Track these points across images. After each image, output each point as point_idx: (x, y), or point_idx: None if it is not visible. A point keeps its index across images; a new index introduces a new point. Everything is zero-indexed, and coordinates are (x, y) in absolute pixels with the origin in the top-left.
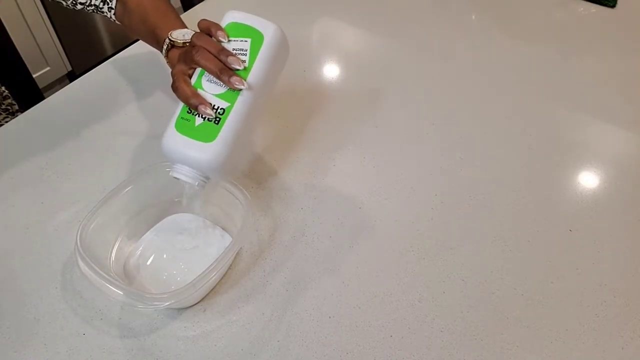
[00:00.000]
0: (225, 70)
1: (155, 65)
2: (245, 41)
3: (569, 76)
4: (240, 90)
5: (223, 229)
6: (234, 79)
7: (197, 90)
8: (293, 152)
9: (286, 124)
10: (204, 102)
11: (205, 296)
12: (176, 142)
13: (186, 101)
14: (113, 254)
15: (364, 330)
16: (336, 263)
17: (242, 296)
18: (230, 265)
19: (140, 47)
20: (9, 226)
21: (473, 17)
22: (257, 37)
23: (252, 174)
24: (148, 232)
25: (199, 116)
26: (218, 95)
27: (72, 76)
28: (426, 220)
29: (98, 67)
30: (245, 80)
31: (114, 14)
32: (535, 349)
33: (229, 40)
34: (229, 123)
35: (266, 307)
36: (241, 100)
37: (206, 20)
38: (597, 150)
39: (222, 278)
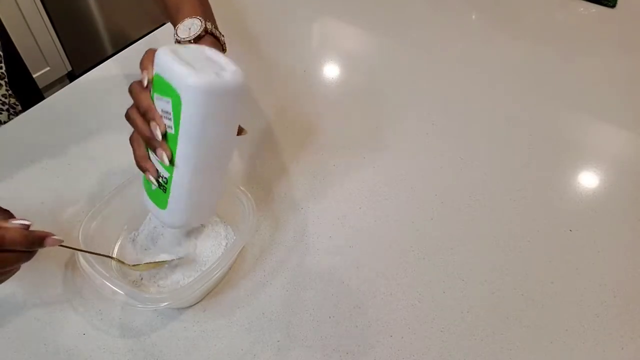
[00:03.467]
0: (151, 140)
1: None
2: (167, 102)
3: (569, 76)
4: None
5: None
6: (159, 152)
7: (146, 153)
8: (293, 152)
9: (286, 124)
10: (150, 168)
11: (205, 296)
12: (144, 200)
13: (136, 163)
14: (115, 253)
15: (364, 330)
16: (336, 263)
17: (242, 296)
18: (231, 265)
19: (140, 48)
20: None
21: (473, 17)
22: (175, 98)
23: (253, 173)
24: (149, 230)
25: None
26: (160, 162)
27: (72, 76)
28: (426, 220)
29: (98, 67)
30: (173, 151)
31: None
32: (535, 349)
33: (156, 97)
34: (174, 193)
35: (266, 307)
36: (178, 173)
37: (149, 50)
38: (597, 150)
39: (222, 278)
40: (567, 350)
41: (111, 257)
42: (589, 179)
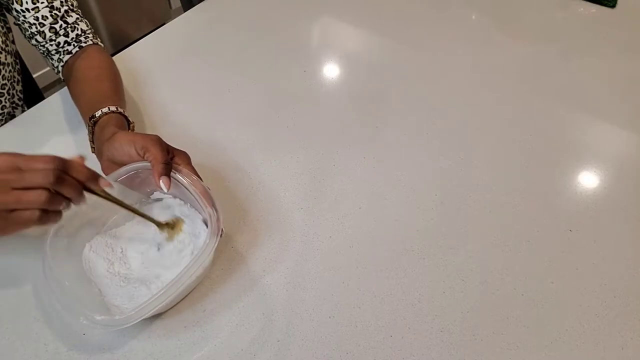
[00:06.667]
0: None
1: (155, 66)
2: None
3: (569, 76)
4: None
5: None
6: None
7: None
8: (293, 152)
9: (286, 124)
10: None
11: (186, 296)
12: None
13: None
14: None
15: (364, 330)
16: (336, 263)
17: (242, 296)
18: (230, 265)
19: (140, 48)
20: None
21: (473, 17)
22: None
23: (253, 173)
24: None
25: None
26: None
27: None
28: (426, 220)
29: None
30: None
31: (62, 67)
32: (535, 349)
33: None
34: None
35: (266, 307)
36: None
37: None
38: (597, 150)
39: (223, 278)
40: (567, 350)
41: (138, 212)
42: (589, 179)
